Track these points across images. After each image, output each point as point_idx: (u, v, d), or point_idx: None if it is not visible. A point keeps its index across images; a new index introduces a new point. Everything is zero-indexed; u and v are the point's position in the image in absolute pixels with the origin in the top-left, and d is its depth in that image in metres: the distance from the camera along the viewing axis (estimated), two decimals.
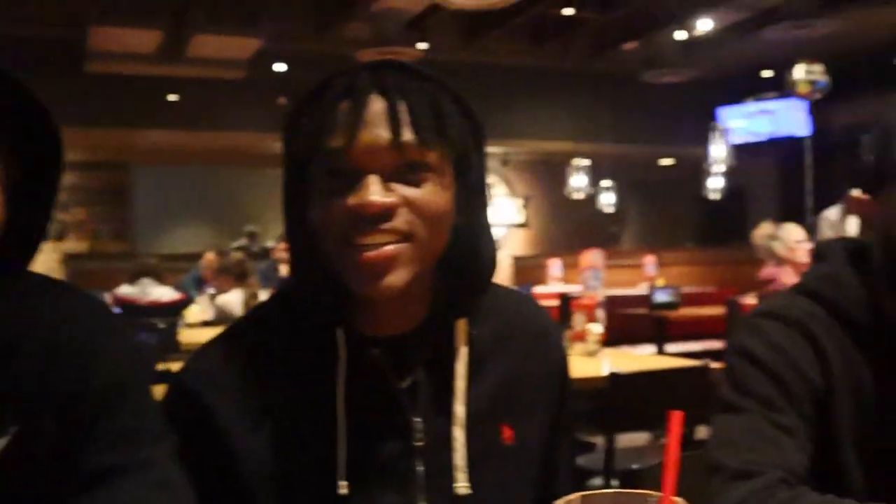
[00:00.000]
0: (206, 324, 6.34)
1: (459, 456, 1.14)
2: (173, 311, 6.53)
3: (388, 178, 1.05)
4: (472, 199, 1.14)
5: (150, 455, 1.04)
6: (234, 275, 6.52)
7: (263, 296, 6.55)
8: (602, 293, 5.13)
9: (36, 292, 1.09)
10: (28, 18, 10.10)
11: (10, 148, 0.99)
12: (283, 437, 1.13)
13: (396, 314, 1.16)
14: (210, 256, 8.47)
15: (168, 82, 11.17)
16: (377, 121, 1.05)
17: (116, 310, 7.27)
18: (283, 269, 7.84)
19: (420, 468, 1.14)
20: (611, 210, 13.24)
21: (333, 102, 1.07)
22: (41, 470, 1.02)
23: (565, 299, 6.16)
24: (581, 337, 4.39)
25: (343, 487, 1.10)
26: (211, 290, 7.27)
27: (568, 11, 11.02)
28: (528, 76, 12.66)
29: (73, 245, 12.42)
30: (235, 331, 1.23)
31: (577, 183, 12.00)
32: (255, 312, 1.26)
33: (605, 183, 12.86)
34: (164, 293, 7.02)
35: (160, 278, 7.22)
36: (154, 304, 6.69)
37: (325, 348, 1.13)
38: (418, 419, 1.14)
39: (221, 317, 6.32)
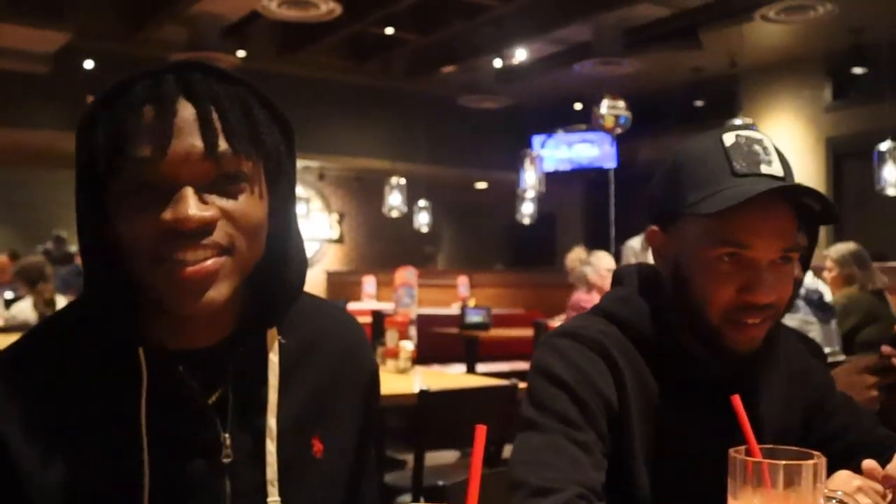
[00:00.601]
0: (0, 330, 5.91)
1: (272, 470, 1.11)
2: None
3: (202, 190, 1.00)
4: (283, 206, 1.11)
5: None
6: (28, 280, 6.15)
7: (61, 302, 6.24)
8: (415, 311, 5.14)
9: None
10: None
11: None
12: (82, 462, 1.05)
13: (203, 327, 1.11)
14: (2, 259, 8.01)
15: None
16: (188, 129, 0.99)
17: None
18: None
19: (228, 486, 1.10)
20: (426, 230, 13.37)
21: (136, 107, 1.00)
22: None
23: (379, 316, 6.16)
24: (393, 354, 4.41)
25: None
26: (8, 295, 6.85)
27: (388, 31, 11.10)
28: (347, 92, 12.67)
29: None
30: (26, 346, 1.13)
31: (393, 201, 12.05)
32: (49, 325, 1.17)
33: (421, 203, 12.98)
34: None
35: None
36: None
37: (126, 366, 1.07)
38: (226, 435, 1.10)
39: (13, 324, 5.94)
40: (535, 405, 1.30)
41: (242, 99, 1.04)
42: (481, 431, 0.86)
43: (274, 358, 1.14)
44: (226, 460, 1.10)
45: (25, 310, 6.07)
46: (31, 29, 9.01)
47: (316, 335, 1.23)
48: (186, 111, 1.00)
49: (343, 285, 13.26)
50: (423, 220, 13.07)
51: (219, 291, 1.03)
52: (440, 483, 3.53)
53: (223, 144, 1.00)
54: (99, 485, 1.06)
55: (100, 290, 1.07)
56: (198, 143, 0.99)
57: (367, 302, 10.87)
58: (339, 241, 15.59)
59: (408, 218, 12.81)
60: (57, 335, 1.13)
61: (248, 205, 1.03)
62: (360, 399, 1.26)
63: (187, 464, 1.09)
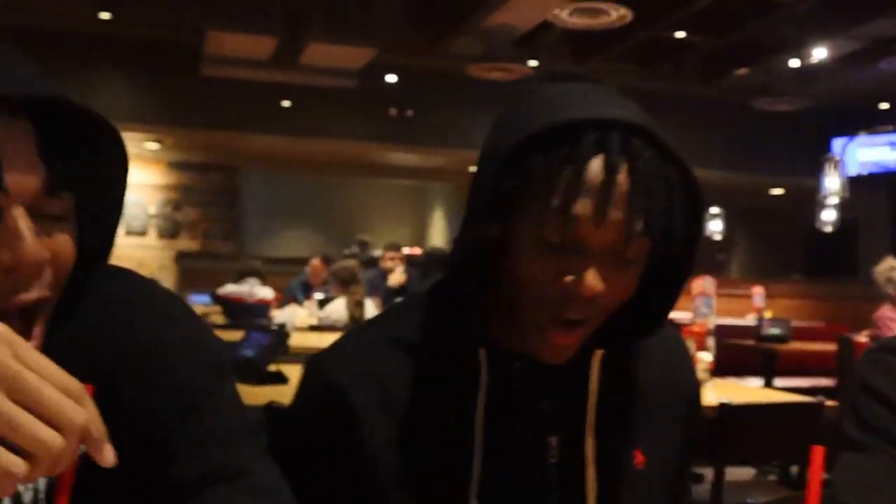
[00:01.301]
0: (312, 328, 6.39)
1: (591, 479, 1.13)
2: (265, 310, 6.66)
3: (605, 260, 1.01)
4: (674, 273, 1.09)
5: (244, 458, 0.98)
6: (341, 281, 6.58)
7: (368, 304, 6.63)
8: (713, 321, 5.00)
9: (107, 286, 1.01)
10: (149, 22, 10.42)
11: (82, 173, 0.89)
12: (419, 446, 1.12)
13: None
14: (316, 262, 8.59)
15: (281, 88, 11.38)
16: (621, 203, 0.98)
17: (215, 307, 7.48)
18: (393, 279, 7.88)
19: (554, 488, 1.13)
20: (718, 237, 12.97)
21: (583, 159, 0.99)
22: (128, 477, 0.93)
23: (673, 326, 6.06)
24: None
25: (474, 502, 1.10)
26: (319, 296, 7.37)
27: (679, 35, 10.86)
28: (636, 98, 12.23)
29: (185, 244, 12.75)
30: (378, 325, 1.21)
31: None
32: (405, 309, 1.23)
33: (713, 209, 12.60)
34: (267, 293, 7.16)
35: (264, 280, 7.37)
36: (262, 301, 6.82)
37: (468, 363, 1.12)
38: (554, 438, 1.14)
39: (327, 322, 6.39)
40: (859, 424, 1.25)
41: (668, 179, 1.01)
42: (819, 453, 0.84)
43: (596, 367, 1.16)
44: (552, 461, 1.14)
45: (338, 310, 6.48)
46: (341, 47, 9.63)
47: (643, 347, 1.23)
48: (623, 186, 0.98)
49: None
50: (715, 228, 12.69)
51: (575, 347, 1.06)
52: (749, 501, 3.43)
53: (639, 227, 0.99)
54: (432, 474, 1.12)
55: (459, 289, 1.11)
56: (623, 218, 0.98)
57: None
58: None
59: None
60: (405, 325, 1.18)
61: (630, 283, 1.04)
62: (683, 413, 1.25)
63: (516, 463, 1.13)
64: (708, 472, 3.60)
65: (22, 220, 0.79)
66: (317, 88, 11.14)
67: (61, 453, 0.64)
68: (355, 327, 1.25)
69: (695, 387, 1.30)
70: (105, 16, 10.25)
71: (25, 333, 0.81)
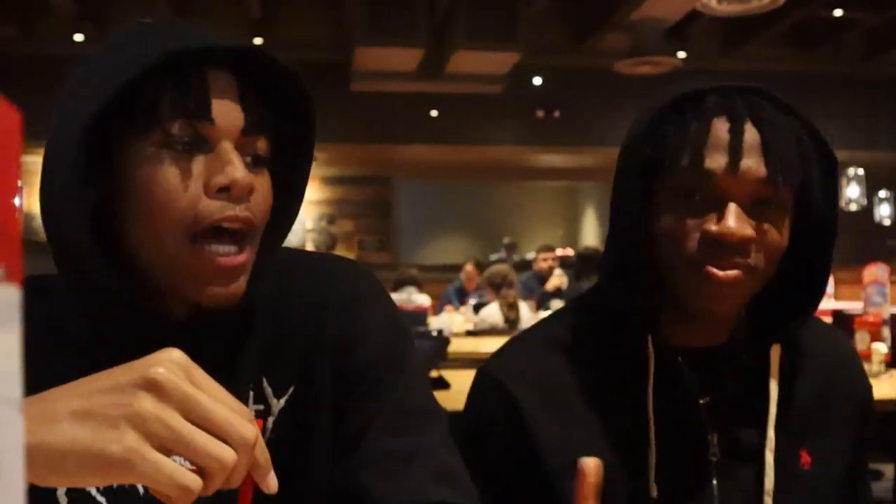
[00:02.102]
0: (469, 333, 6.41)
1: (769, 480, 1.13)
2: (424, 317, 6.73)
3: (746, 209, 1.05)
4: (810, 238, 1.12)
5: (427, 439, 1.00)
6: (494, 286, 6.60)
7: (523, 307, 6.62)
8: (888, 311, 4.74)
9: (297, 258, 1.10)
10: (299, 42, 10.73)
11: (274, 133, 0.99)
12: (590, 434, 1.15)
13: (706, 328, 1.16)
14: (469, 268, 8.65)
15: (428, 98, 11.53)
16: (751, 151, 1.04)
17: None
18: (551, 283, 7.83)
19: (715, 484, 1.14)
20: (888, 222, 12.31)
21: (708, 119, 1.07)
22: (321, 427, 1.01)
23: (841, 316, 5.78)
24: (865, 357, 4.10)
25: (654, 490, 1.12)
26: (473, 301, 7.42)
27: (837, 13, 10.39)
28: (794, 82, 11.97)
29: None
30: (542, 328, 1.27)
31: (852, 193, 11.23)
32: (566, 312, 1.30)
33: (882, 193, 11.97)
34: (424, 300, 7.24)
35: (420, 287, 7.45)
36: (420, 308, 6.90)
37: (633, 354, 1.15)
38: (714, 434, 1.14)
39: (483, 326, 6.41)
40: None
41: (796, 131, 1.08)
42: None
43: (775, 370, 1.16)
44: (713, 458, 1.14)
45: (493, 314, 6.50)
46: (485, 53, 9.66)
47: (809, 351, 1.24)
48: (751, 133, 1.06)
49: None
50: (884, 213, 12.05)
51: (735, 303, 1.09)
52: None
53: (776, 174, 1.04)
54: (605, 462, 1.11)
55: (625, 278, 1.15)
56: (758, 166, 1.04)
57: (825, 302, 10.22)
58: None
59: (867, 211, 11.89)
60: (570, 322, 1.24)
61: (778, 232, 1.08)
62: (853, 416, 1.24)
63: (681, 455, 1.14)
64: (888, 469, 3.41)
65: (231, 152, 0.91)
66: (464, 95, 11.23)
67: (234, 468, 0.67)
68: (520, 333, 1.30)
69: (866, 388, 1.29)
70: (258, 41, 10.64)
71: (238, 251, 0.92)
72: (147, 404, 0.65)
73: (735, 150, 1.04)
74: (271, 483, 0.71)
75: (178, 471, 0.65)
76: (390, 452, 0.98)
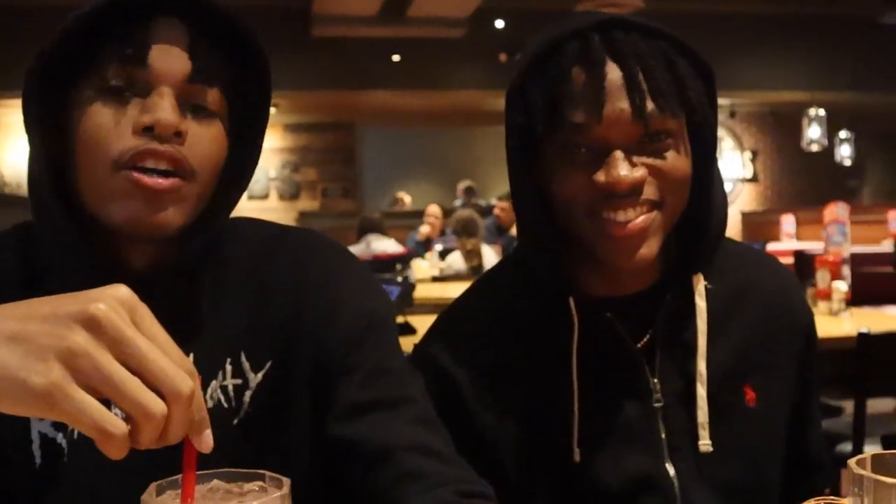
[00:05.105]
0: (434, 279, 6.43)
1: (703, 413, 1.12)
2: (395, 263, 6.69)
3: (631, 151, 1.03)
4: (705, 155, 1.11)
5: (408, 391, 1.04)
6: (455, 232, 6.60)
7: (487, 251, 6.63)
8: (848, 249, 4.80)
9: (278, 235, 1.12)
10: None
11: (229, 85, 1.00)
12: (518, 402, 1.14)
13: (630, 275, 1.15)
14: (433, 208, 8.61)
15: (390, 43, 11.39)
16: (617, 93, 1.02)
17: None
18: (515, 230, 7.82)
19: (662, 429, 1.13)
20: (848, 163, 12.44)
21: (567, 71, 1.04)
22: (298, 401, 1.04)
23: (803, 257, 5.87)
24: (825, 295, 4.16)
25: (577, 454, 1.11)
26: (439, 247, 7.43)
27: None
28: (755, 24, 12.04)
29: (306, 204, 12.99)
30: (470, 297, 1.26)
31: (813, 134, 11.31)
32: (488, 278, 1.29)
33: (843, 134, 12.07)
34: (388, 246, 7.19)
35: (383, 232, 7.39)
36: (378, 257, 6.86)
37: (558, 313, 1.13)
38: (655, 380, 1.13)
39: (449, 273, 6.42)
40: None
41: (665, 54, 1.05)
42: None
43: (701, 303, 1.14)
44: (657, 404, 1.13)
45: (458, 260, 6.52)
46: None
47: (745, 283, 1.22)
48: (614, 73, 1.03)
49: (759, 225, 12.73)
50: (844, 153, 12.17)
51: (650, 247, 1.07)
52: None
53: (650, 105, 1.02)
54: (534, 427, 1.14)
55: (535, 240, 1.14)
56: (626, 106, 1.02)
57: (786, 242, 10.37)
58: (753, 179, 14.98)
59: (828, 151, 12.00)
60: (496, 287, 1.24)
61: (675, 160, 1.06)
62: (796, 349, 1.23)
63: (619, 407, 1.13)
64: (848, 405, 3.48)
65: (164, 96, 0.92)
66: (426, 40, 11.12)
67: (167, 422, 0.64)
68: (450, 305, 1.28)
69: (807, 315, 1.26)
70: None
71: (163, 179, 0.93)
72: (80, 339, 0.62)
73: (595, 97, 1.01)
74: (205, 441, 0.68)
75: (101, 413, 0.62)
76: (374, 402, 1.01)
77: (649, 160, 1.04)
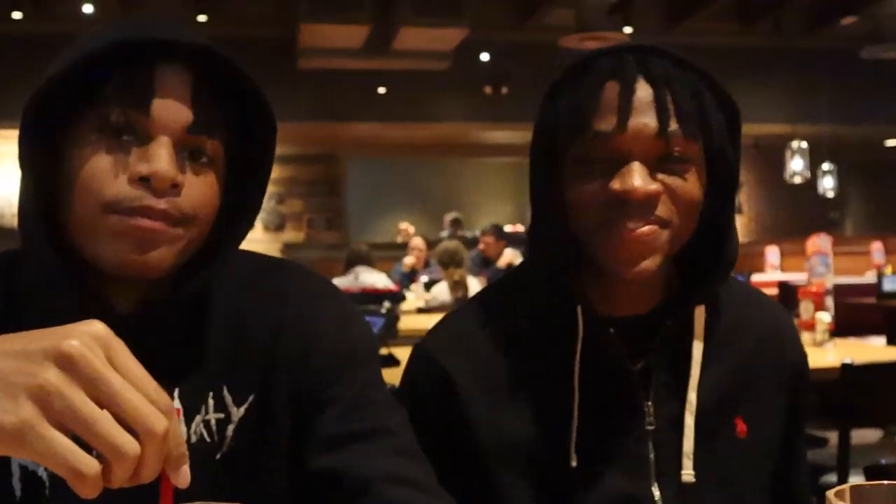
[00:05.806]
0: (420, 310, 6.41)
1: (688, 442, 1.14)
2: (386, 299, 6.66)
3: (649, 166, 1.05)
4: (722, 190, 1.13)
5: (388, 423, 1.04)
6: (441, 263, 6.60)
7: (473, 283, 6.63)
8: (831, 280, 4.83)
9: (261, 268, 1.12)
10: (242, 19, 10.59)
11: (228, 130, 1.00)
12: (518, 408, 1.16)
13: (633, 296, 1.16)
14: (417, 241, 8.61)
15: (376, 75, 11.45)
16: (645, 108, 1.05)
17: None
18: (504, 259, 7.82)
19: (651, 453, 1.14)
20: (831, 195, 12.52)
21: (598, 83, 1.07)
22: (279, 435, 1.04)
23: (786, 288, 5.91)
24: (809, 326, 4.18)
25: (574, 459, 1.12)
26: (424, 279, 7.42)
27: None
28: (738, 57, 12.16)
29: (291, 235, 12.98)
30: (475, 304, 1.27)
31: (795, 166, 11.39)
32: (495, 287, 1.31)
33: (825, 166, 12.16)
34: (377, 280, 7.15)
35: (372, 264, 7.34)
36: (366, 290, 6.82)
37: (563, 325, 1.14)
38: (649, 403, 1.15)
39: (434, 304, 6.41)
40: None
41: (694, 84, 1.09)
42: None
43: (700, 334, 1.16)
44: (649, 427, 1.14)
45: (444, 291, 6.51)
46: (432, 29, 9.61)
47: (741, 317, 1.24)
48: (643, 91, 1.06)
49: (744, 257, 12.72)
50: (827, 185, 12.25)
51: (653, 261, 1.08)
52: (882, 461, 3.30)
53: (674, 125, 1.05)
54: (531, 433, 1.15)
55: (547, 250, 1.16)
56: (651, 122, 1.05)
57: (771, 273, 10.42)
58: (738, 211, 15.04)
59: (811, 183, 12.08)
60: (502, 295, 1.26)
61: (689, 185, 1.08)
62: (789, 383, 1.25)
63: (612, 424, 1.15)
64: (832, 436, 3.48)
65: (162, 146, 0.91)
66: (411, 72, 11.18)
67: (140, 462, 0.63)
68: (454, 310, 1.31)
69: (800, 356, 1.29)
70: (202, 18, 10.47)
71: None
72: (52, 377, 0.61)
73: (624, 108, 1.04)
74: (182, 476, 0.67)
75: (73, 453, 0.60)
76: (353, 434, 1.01)
77: (665, 178, 1.06)
